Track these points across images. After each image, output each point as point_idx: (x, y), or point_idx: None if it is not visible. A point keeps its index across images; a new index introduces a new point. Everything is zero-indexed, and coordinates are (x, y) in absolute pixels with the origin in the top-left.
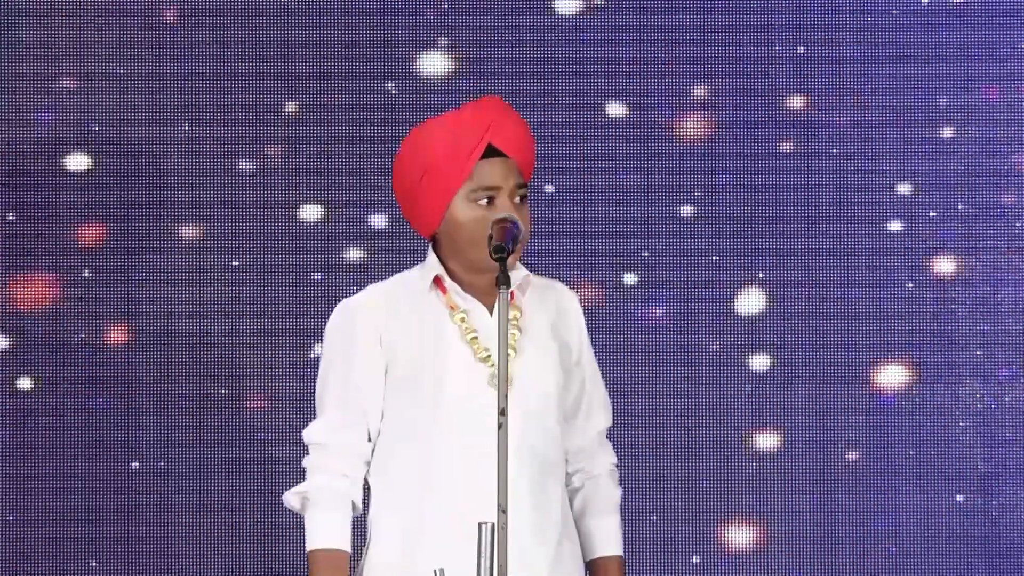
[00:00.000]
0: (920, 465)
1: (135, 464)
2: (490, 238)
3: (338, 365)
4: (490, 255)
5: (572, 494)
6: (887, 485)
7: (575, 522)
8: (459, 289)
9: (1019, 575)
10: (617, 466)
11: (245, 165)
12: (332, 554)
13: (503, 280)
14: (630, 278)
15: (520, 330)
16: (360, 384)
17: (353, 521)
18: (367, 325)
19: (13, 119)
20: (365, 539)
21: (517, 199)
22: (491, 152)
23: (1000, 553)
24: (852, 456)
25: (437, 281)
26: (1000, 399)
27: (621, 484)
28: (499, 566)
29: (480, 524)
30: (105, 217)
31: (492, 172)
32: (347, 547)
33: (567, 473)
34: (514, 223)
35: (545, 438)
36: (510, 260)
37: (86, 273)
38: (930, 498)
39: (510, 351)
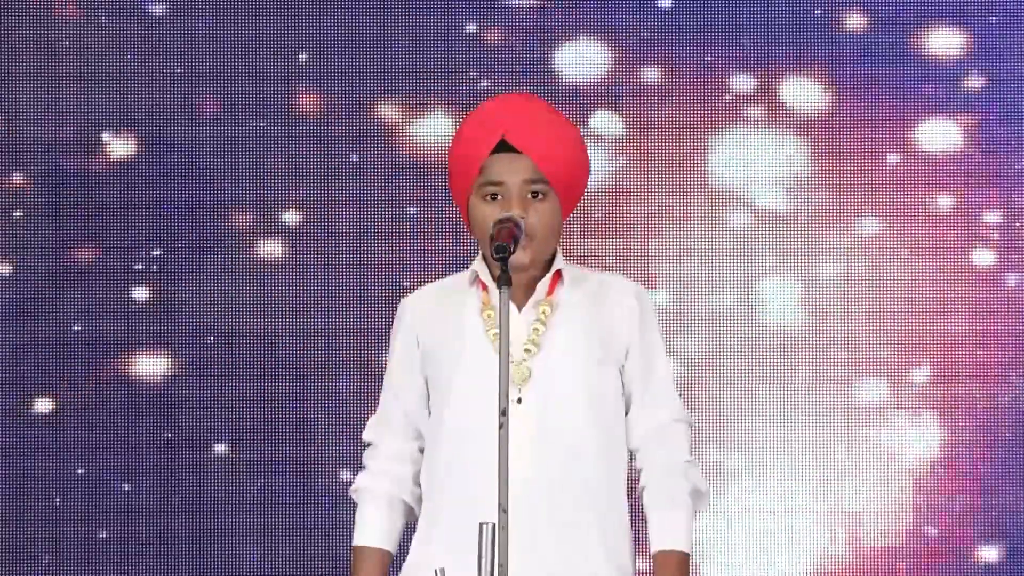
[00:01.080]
0: (918, 464)
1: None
2: (492, 238)
3: (388, 366)
4: (492, 255)
5: (640, 492)
6: (886, 485)
7: (646, 519)
8: (495, 287)
9: (1018, 575)
10: (688, 461)
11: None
12: (361, 551)
13: (504, 280)
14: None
15: (545, 325)
16: (398, 386)
17: (407, 517)
18: (407, 326)
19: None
20: None
21: (529, 195)
22: (506, 148)
23: (999, 553)
24: (851, 456)
25: (479, 277)
26: (1000, 399)
27: (694, 479)
28: (500, 566)
29: (481, 524)
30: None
31: (498, 167)
32: (380, 543)
33: (637, 470)
34: (516, 224)
35: (574, 435)
36: (516, 259)
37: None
38: (929, 498)
39: (531, 347)
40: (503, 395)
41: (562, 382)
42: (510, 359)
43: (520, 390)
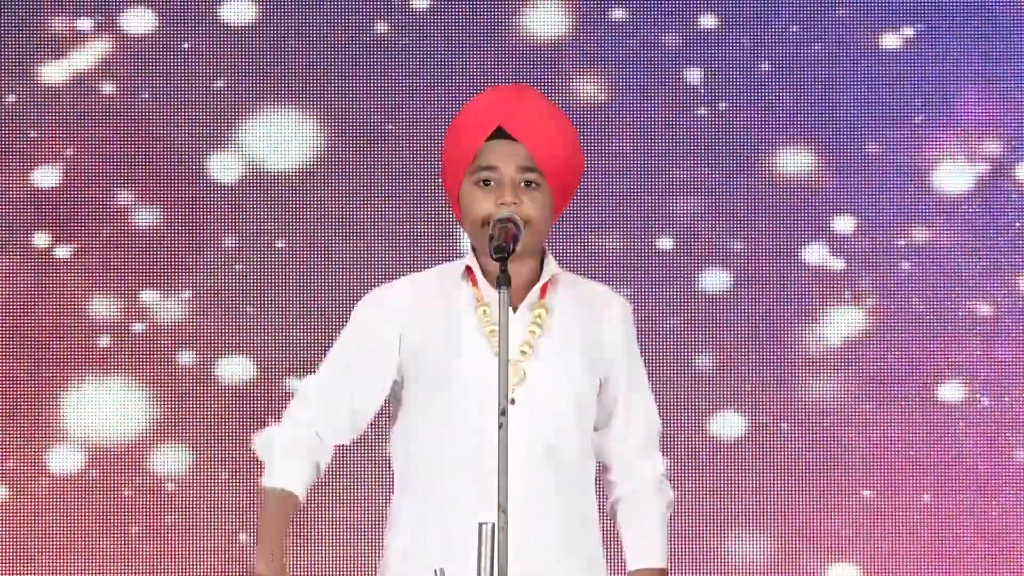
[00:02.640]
0: (920, 465)
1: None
2: (491, 238)
3: (351, 337)
4: (491, 255)
5: (615, 504)
6: (886, 485)
7: (620, 532)
8: (487, 283)
9: (1018, 575)
10: (663, 474)
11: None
12: (279, 493)
13: (504, 280)
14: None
15: (541, 328)
16: (354, 371)
17: (314, 482)
18: (388, 312)
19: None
20: (387, 519)
21: (522, 183)
22: (502, 135)
23: (999, 553)
24: (853, 457)
25: (469, 272)
26: (1000, 399)
27: (667, 492)
28: (499, 567)
29: (480, 524)
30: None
31: (492, 152)
32: (297, 491)
33: (611, 482)
34: (516, 224)
35: (561, 439)
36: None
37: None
38: (930, 498)
39: (527, 348)
40: (503, 395)
41: (554, 386)
42: (505, 360)
43: (514, 391)
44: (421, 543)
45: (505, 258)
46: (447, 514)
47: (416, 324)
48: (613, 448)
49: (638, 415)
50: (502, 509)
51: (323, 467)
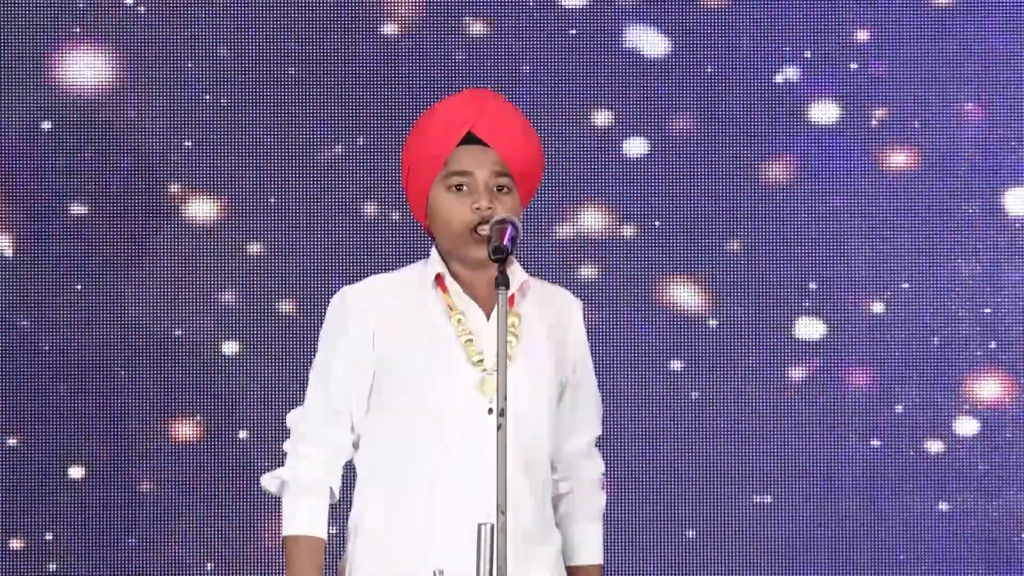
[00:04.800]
0: (920, 466)
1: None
2: (489, 239)
3: (328, 352)
4: (489, 256)
5: (557, 500)
6: (887, 486)
7: (559, 527)
8: (460, 290)
9: (1019, 575)
10: (604, 475)
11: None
12: (309, 540)
13: (502, 281)
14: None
15: (516, 337)
16: (345, 376)
17: (330, 509)
18: (360, 315)
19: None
20: (349, 527)
21: (495, 188)
22: (473, 141)
23: (1000, 554)
24: (852, 458)
25: (439, 279)
26: (999, 399)
27: (603, 494)
28: (499, 568)
29: (479, 525)
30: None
31: (465, 158)
32: (323, 534)
33: (554, 480)
34: (514, 225)
35: (533, 444)
36: (475, 253)
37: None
38: (931, 499)
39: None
40: (501, 396)
41: (532, 395)
42: (483, 369)
43: (491, 400)
44: (396, 554)
45: (504, 259)
46: (423, 525)
47: (387, 329)
48: (565, 448)
49: (592, 418)
50: (501, 511)
51: (336, 492)
